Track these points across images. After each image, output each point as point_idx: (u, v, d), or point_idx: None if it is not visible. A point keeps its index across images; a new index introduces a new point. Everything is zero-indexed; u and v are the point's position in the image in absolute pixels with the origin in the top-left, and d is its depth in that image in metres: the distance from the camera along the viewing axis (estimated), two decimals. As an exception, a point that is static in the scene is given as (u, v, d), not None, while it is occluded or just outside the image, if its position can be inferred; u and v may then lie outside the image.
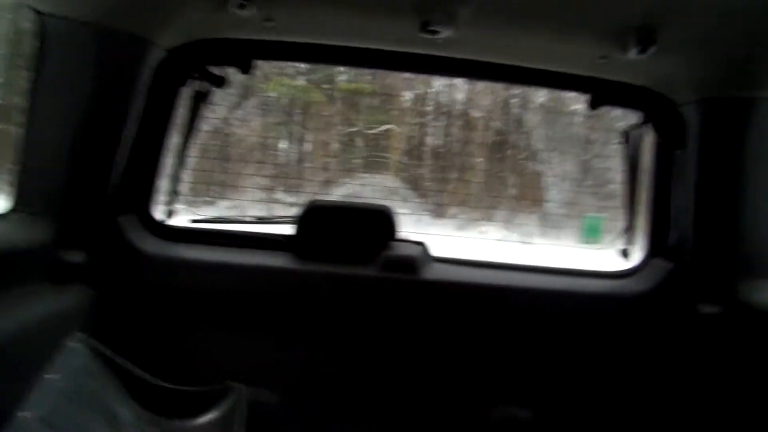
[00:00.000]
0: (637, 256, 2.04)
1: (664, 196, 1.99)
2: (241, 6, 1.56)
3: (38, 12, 1.48)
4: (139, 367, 1.59)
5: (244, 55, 1.89)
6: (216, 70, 1.90)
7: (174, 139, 1.92)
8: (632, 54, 1.61)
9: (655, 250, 2.02)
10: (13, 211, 1.55)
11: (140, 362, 1.61)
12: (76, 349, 1.47)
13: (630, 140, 2.01)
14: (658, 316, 1.93)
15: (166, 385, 1.60)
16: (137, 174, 1.83)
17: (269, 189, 5.72)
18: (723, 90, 1.75)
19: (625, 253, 2.01)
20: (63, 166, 1.57)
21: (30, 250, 1.49)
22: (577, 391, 1.94)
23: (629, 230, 2.02)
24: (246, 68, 1.91)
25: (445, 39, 1.67)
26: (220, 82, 1.91)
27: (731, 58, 1.65)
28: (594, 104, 2.00)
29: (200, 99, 1.92)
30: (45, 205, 1.56)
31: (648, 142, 2.00)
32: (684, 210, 1.91)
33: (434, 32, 1.62)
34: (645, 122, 1.96)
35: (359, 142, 6.62)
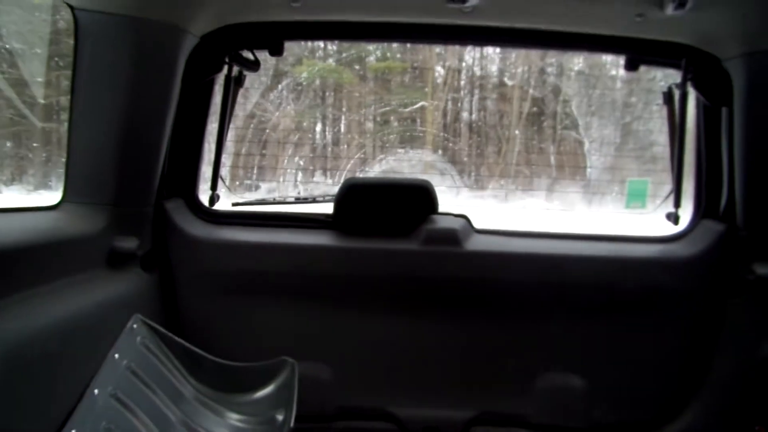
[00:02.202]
0: (685, 219, 1.99)
1: (712, 156, 1.92)
2: None
3: (72, 8, 1.52)
4: (194, 345, 1.66)
5: (274, 37, 1.91)
6: (248, 54, 1.93)
7: (212, 125, 1.97)
8: (670, 10, 1.55)
9: (704, 211, 1.97)
10: (64, 201, 1.63)
11: (194, 341, 1.68)
12: (136, 329, 1.55)
13: (673, 100, 1.95)
14: (712, 279, 1.88)
15: (222, 361, 1.66)
16: (180, 160, 1.89)
17: (307, 170, 5.80)
18: None
19: (673, 217, 1.96)
20: (109, 157, 1.63)
21: (84, 238, 1.56)
22: (628, 357, 1.92)
23: (676, 192, 1.97)
24: (276, 50, 1.93)
25: (473, 7, 1.64)
26: (254, 65, 1.95)
27: None
28: (631, 65, 1.94)
29: (234, 84, 1.96)
30: (94, 195, 1.63)
31: (692, 100, 1.94)
32: (734, 169, 1.85)
33: (462, 1, 1.60)
34: (687, 80, 1.89)
35: (394, 121, 6.60)
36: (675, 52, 1.85)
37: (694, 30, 1.76)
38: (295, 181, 5.56)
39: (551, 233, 2.00)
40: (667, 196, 1.99)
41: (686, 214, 1.99)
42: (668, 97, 1.95)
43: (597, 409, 1.95)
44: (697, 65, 1.84)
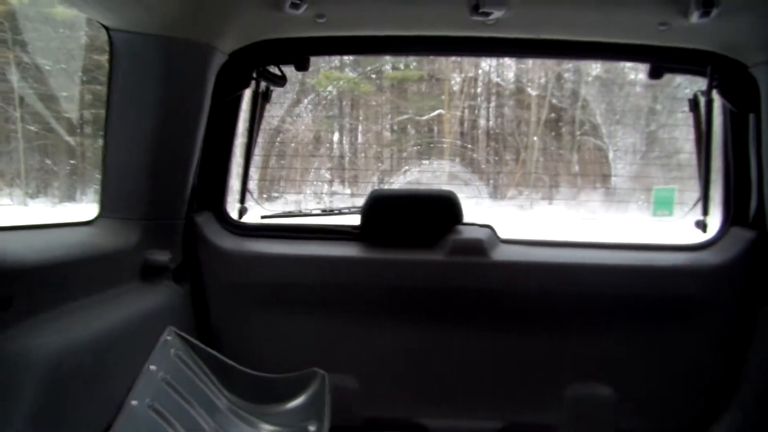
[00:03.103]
0: (714, 227, 1.97)
1: (740, 162, 1.91)
2: (295, 5, 1.61)
3: (107, 29, 1.57)
4: (225, 356, 1.69)
5: (300, 52, 1.95)
6: (275, 70, 1.97)
7: (240, 139, 2.01)
8: (695, 18, 1.55)
9: (733, 218, 1.95)
10: (100, 217, 1.67)
11: (225, 351, 1.70)
12: (170, 341, 1.57)
13: (698, 107, 1.94)
14: (742, 287, 1.86)
15: (253, 372, 1.68)
16: (209, 174, 1.92)
17: (324, 181, 5.86)
18: None
19: (701, 224, 1.95)
20: (142, 173, 1.67)
21: (119, 252, 1.60)
22: (658, 367, 1.91)
23: (704, 200, 1.95)
24: (302, 65, 1.97)
25: (497, 19, 1.66)
26: (281, 80, 1.98)
27: None
28: (655, 73, 1.94)
29: (262, 99, 2.00)
30: (128, 210, 1.68)
31: (718, 107, 1.93)
32: (762, 174, 1.83)
33: (486, 14, 1.62)
34: (713, 87, 1.89)
35: (411, 129, 6.63)
36: (700, 60, 1.85)
37: (720, 37, 1.75)
38: (317, 193, 5.61)
39: (578, 242, 2.00)
40: (695, 204, 1.98)
41: (715, 221, 1.97)
42: (694, 104, 1.94)
43: (626, 420, 1.93)
44: (723, 72, 1.84)
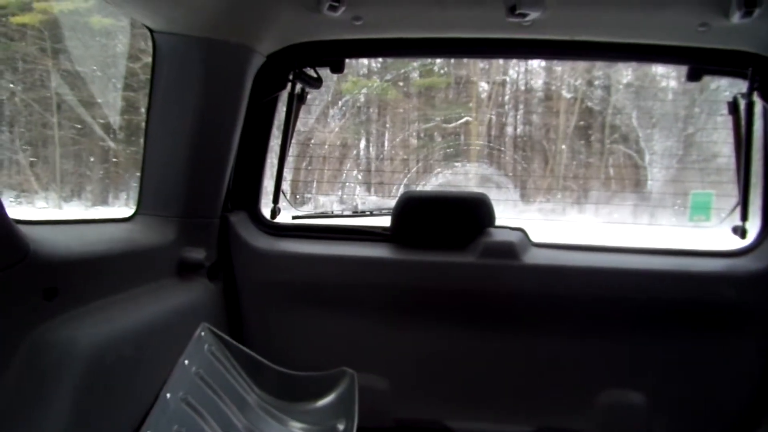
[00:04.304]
0: (753, 233, 1.92)
1: None
2: (332, 7, 1.63)
3: (152, 31, 1.62)
4: (256, 353, 1.70)
5: (336, 54, 1.97)
6: (311, 72, 1.99)
7: (274, 140, 2.04)
8: (736, 18, 1.52)
9: None
10: (138, 214, 1.71)
11: (256, 349, 1.72)
12: (204, 337, 1.60)
13: (738, 110, 1.90)
14: None
15: (283, 370, 1.69)
16: (244, 175, 1.95)
17: (361, 185, 5.91)
18: None
19: (740, 230, 1.90)
20: (180, 172, 1.70)
21: (156, 248, 1.63)
22: (693, 375, 1.86)
23: (743, 205, 1.90)
24: (337, 68, 1.99)
25: (533, 21, 1.65)
26: (317, 82, 2.00)
27: None
28: (694, 75, 1.90)
29: (297, 101, 2.02)
30: (166, 208, 1.71)
31: (759, 110, 1.88)
32: None
33: (522, 15, 1.61)
34: (754, 89, 1.84)
35: (438, 136, 6.63)
36: (740, 61, 1.81)
37: (762, 38, 1.71)
38: (341, 196, 5.65)
39: (611, 247, 1.97)
40: (733, 209, 1.93)
41: (754, 227, 1.92)
42: (733, 106, 1.90)
43: (658, 428, 1.89)
44: (765, 74, 1.79)
